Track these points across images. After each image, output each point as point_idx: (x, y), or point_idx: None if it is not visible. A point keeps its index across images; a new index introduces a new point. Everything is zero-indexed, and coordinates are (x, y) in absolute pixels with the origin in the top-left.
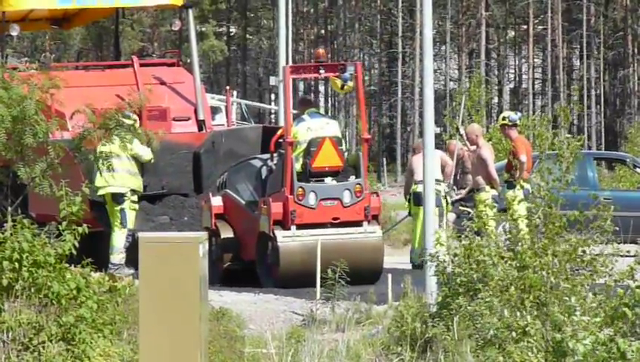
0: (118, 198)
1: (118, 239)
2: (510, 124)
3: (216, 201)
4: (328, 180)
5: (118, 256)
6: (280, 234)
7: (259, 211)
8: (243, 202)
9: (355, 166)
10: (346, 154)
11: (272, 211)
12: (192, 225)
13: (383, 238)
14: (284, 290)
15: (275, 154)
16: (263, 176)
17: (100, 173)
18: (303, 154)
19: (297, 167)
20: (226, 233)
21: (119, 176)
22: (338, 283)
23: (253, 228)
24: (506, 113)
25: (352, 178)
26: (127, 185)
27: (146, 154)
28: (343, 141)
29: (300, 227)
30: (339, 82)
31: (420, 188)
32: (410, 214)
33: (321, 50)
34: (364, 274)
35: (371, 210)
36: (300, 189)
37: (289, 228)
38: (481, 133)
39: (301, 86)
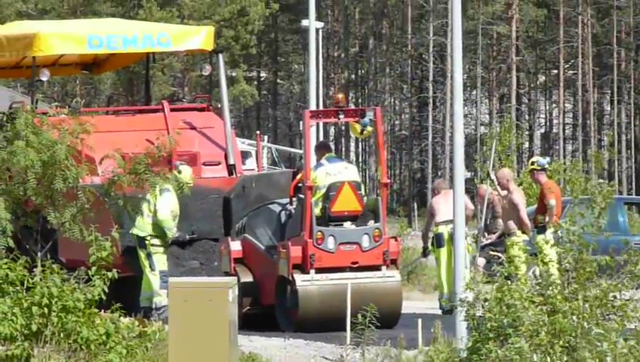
0: (140, 241)
1: (153, 282)
2: (539, 168)
3: (235, 246)
4: (347, 224)
5: (158, 299)
6: (299, 278)
7: (278, 255)
8: (262, 246)
9: (374, 210)
10: (365, 198)
11: (291, 255)
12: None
13: (401, 283)
14: (314, 335)
15: (294, 199)
16: (282, 221)
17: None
18: (322, 198)
19: (316, 211)
20: (245, 277)
21: (143, 219)
22: (368, 328)
23: (272, 272)
24: (534, 158)
25: (372, 222)
26: (145, 230)
27: (162, 213)
28: (362, 186)
29: (318, 271)
30: (358, 127)
31: (441, 229)
32: (425, 255)
33: (340, 95)
34: (382, 318)
35: (390, 255)
36: (319, 233)
37: (308, 272)
38: (512, 178)
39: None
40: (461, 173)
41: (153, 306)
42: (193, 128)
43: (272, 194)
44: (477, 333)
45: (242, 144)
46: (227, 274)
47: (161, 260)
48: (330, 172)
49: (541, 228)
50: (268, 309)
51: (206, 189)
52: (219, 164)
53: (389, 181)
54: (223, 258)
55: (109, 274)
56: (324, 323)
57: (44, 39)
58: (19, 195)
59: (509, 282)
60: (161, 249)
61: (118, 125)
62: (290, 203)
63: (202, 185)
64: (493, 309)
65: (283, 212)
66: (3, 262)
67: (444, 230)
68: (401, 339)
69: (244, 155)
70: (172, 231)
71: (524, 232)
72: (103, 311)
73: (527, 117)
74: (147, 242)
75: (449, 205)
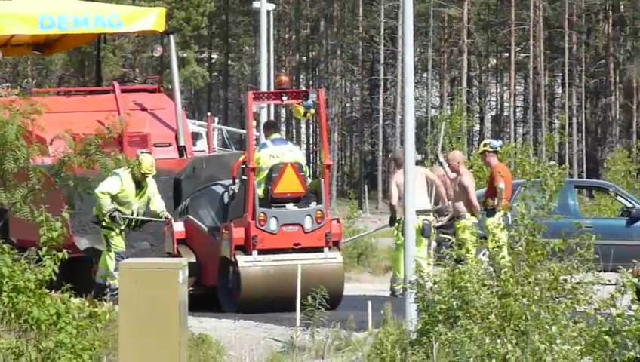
0: (96, 222)
1: (109, 263)
2: (491, 150)
3: (179, 227)
4: (290, 206)
5: (115, 281)
6: (241, 259)
7: (220, 236)
8: (205, 228)
9: (316, 192)
10: (308, 180)
11: (233, 236)
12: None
13: (343, 264)
14: (264, 317)
15: (237, 180)
16: (225, 202)
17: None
18: (264, 180)
19: (259, 192)
20: (188, 258)
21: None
22: (317, 310)
23: (215, 253)
24: (487, 140)
25: (314, 204)
26: (97, 212)
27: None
28: (306, 167)
29: (261, 252)
30: (301, 109)
31: None
32: (392, 225)
33: (283, 77)
34: (325, 299)
35: (332, 236)
36: (262, 215)
37: (250, 253)
38: (462, 161)
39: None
40: (412, 156)
41: (107, 286)
42: (144, 109)
43: (223, 176)
44: (427, 315)
45: (193, 125)
46: (170, 254)
47: (116, 241)
48: (273, 154)
49: (490, 211)
50: (211, 290)
51: (157, 170)
52: (169, 145)
53: (331, 163)
54: (167, 239)
55: (60, 255)
56: (266, 304)
57: None
58: None
59: (460, 265)
60: (115, 230)
61: (69, 106)
62: (233, 184)
63: None
64: (442, 291)
65: (226, 193)
66: None
67: (416, 220)
68: (350, 321)
69: (195, 137)
70: (104, 209)
71: (473, 215)
72: (53, 291)
73: (478, 100)
74: (103, 223)
75: (420, 189)
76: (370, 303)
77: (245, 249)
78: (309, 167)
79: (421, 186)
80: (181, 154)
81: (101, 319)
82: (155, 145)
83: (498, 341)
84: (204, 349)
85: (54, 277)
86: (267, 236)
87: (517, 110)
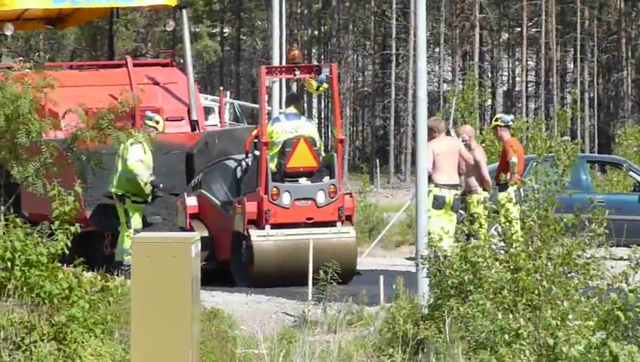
0: (120, 198)
1: (126, 240)
2: (503, 125)
3: (191, 201)
4: (302, 180)
5: (128, 257)
6: (254, 233)
7: (233, 211)
8: (218, 202)
9: (329, 166)
10: (321, 154)
11: (246, 210)
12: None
13: (356, 238)
14: (276, 291)
15: (249, 155)
16: (238, 176)
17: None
18: (277, 154)
19: (272, 167)
20: (201, 233)
21: (118, 178)
22: (330, 284)
23: (228, 227)
24: (498, 115)
25: (327, 178)
26: (124, 189)
27: (137, 169)
28: (319, 142)
29: (274, 226)
30: (314, 83)
31: (443, 192)
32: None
33: (296, 52)
34: (337, 274)
35: (345, 211)
36: (275, 189)
37: (263, 228)
38: (473, 135)
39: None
40: (424, 130)
41: (124, 262)
42: (156, 83)
43: (235, 150)
44: (439, 290)
45: (205, 100)
46: (183, 229)
47: (137, 219)
48: (286, 128)
49: (503, 186)
50: (224, 264)
51: (169, 144)
52: (182, 119)
53: (343, 137)
54: (179, 213)
55: (72, 229)
56: (279, 278)
57: None
58: None
59: (472, 240)
60: (141, 206)
61: (82, 80)
62: (246, 158)
63: (165, 141)
64: (454, 266)
65: (239, 168)
66: None
67: (448, 195)
68: (362, 296)
69: (207, 111)
70: (144, 178)
71: (485, 189)
72: (65, 265)
73: (489, 74)
74: (128, 199)
75: (451, 163)
76: (382, 277)
77: (258, 223)
78: (321, 141)
79: (453, 161)
80: (193, 129)
81: (113, 293)
82: (168, 120)
83: (510, 316)
84: (216, 323)
85: (67, 251)
86: (280, 210)
87: (529, 85)
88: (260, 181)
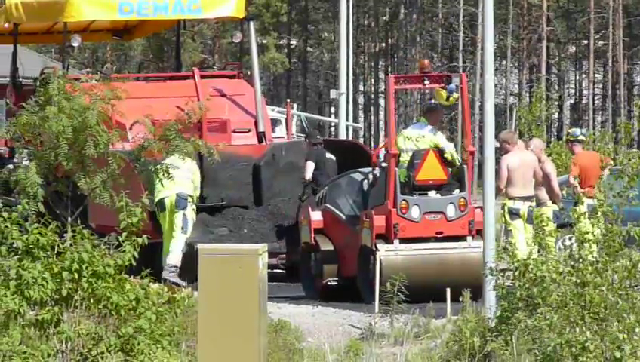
0: (180, 202)
1: (178, 242)
2: (572, 139)
3: (316, 216)
4: (432, 193)
5: (174, 258)
6: (383, 247)
7: (361, 224)
8: (343, 216)
9: (459, 179)
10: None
11: (374, 224)
12: (252, 237)
13: None
14: (343, 303)
15: (376, 168)
16: (364, 190)
17: (161, 182)
18: (406, 166)
19: (400, 179)
20: (326, 247)
21: (180, 182)
22: (397, 297)
23: (354, 242)
24: (570, 129)
25: (457, 191)
26: (188, 191)
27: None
28: (451, 152)
29: (402, 241)
30: (444, 93)
31: (517, 204)
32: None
33: (425, 61)
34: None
35: (475, 225)
36: (404, 202)
37: (392, 242)
38: (543, 148)
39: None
40: (491, 143)
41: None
42: (223, 95)
43: (302, 162)
44: (506, 303)
45: (272, 112)
46: (307, 244)
47: (191, 226)
48: (409, 136)
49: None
50: (348, 281)
51: (236, 156)
52: (249, 131)
53: (474, 149)
54: (303, 228)
55: (140, 240)
56: (407, 294)
57: (76, 5)
58: (50, 161)
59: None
60: (194, 216)
61: (149, 92)
62: (373, 170)
63: (232, 153)
64: (522, 278)
65: (365, 181)
66: (34, 227)
67: (522, 207)
68: (429, 308)
69: (274, 123)
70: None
71: (554, 202)
72: (132, 276)
73: (556, 87)
74: (189, 203)
75: (526, 176)
76: (448, 290)
77: (386, 237)
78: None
79: (528, 174)
80: (260, 141)
81: (180, 305)
82: (235, 131)
83: (577, 329)
84: (283, 335)
85: (134, 263)
86: (409, 224)
87: (596, 98)
88: (389, 194)
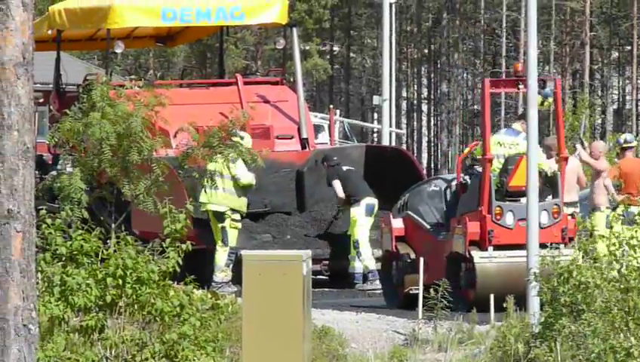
0: (218, 216)
1: (220, 257)
2: (627, 146)
3: (397, 223)
4: (524, 200)
5: (220, 275)
6: (477, 254)
7: (452, 231)
8: (426, 224)
9: (552, 185)
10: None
11: (468, 231)
12: (295, 243)
13: None
14: (386, 309)
15: (461, 174)
16: (448, 197)
17: (205, 190)
18: (499, 172)
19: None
20: (408, 256)
21: (220, 194)
22: (440, 303)
23: (437, 250)
24: (622, 135)
25: (549, 198)
26: (225, 204)
27: (245, 178)
28: (544, 163)
29: (496, 248)
30: (539, 98)
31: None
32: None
33: (519, 65)
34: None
35: (568, 232)
36: (498, 208)
37: (486, 249)
38: (604, 151)
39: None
40: (535, 148)
41: (215, 279)
42: (267, 102)
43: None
44: (550, 309)
45: (315, 118)
46: (388, 252)
47: (234, 236)
48: (501, 141)
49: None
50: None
51: (279, 163)
52: (292, 137)
53: (568, 155)
54: (384, 235)
55: (184, 247)
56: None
57: (119, 11)
58: (93, 167)
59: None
60: (239, 224)
61: (192, 98)
62: (462, 175)
63: (275, 159)
64: (566, 284)
65: (448, 188)
66: (78, 234)
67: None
68: (473, 314)
69: (317, 129)
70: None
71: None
72: (176, 282)
73: (599, 93)
74: (227, 216)
75: (570, 181)
76: (492, 296)
77: (480, 244)
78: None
79: (572, 178)
80: (303, 147)
81: (224, 311)
82: (278, 138)
83: (621, 335)
84: (327, 341)
85: (178, 269)
86: (503, 231)
87: (639, 103)
88: (483, 200)
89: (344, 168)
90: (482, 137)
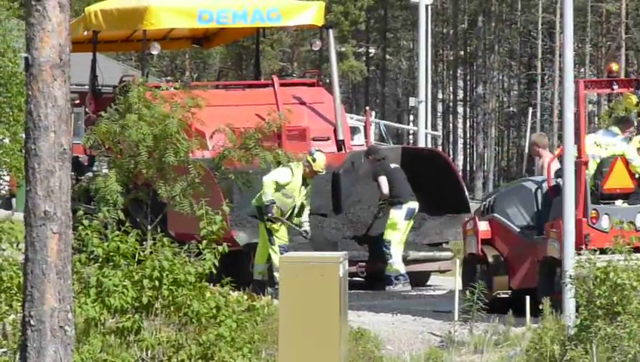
0: (259, 215)
1: (274, 258)
2: None
3: (483, 226)
4: (619, 202)
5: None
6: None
7: (546, 235)
8: (514, 227)
9: None
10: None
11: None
12: (332, 245)
13: None
14: (422, 311)
15: (552, 176)
16: (539, 200)
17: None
18: (594, 174)
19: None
20: (495, 259)
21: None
22: (476, 305)
23: (526, 254)
24: None
25: None
26: (255, 202)
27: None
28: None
29: (592, 252)
30: (634, 98)
31: None
32: None
33: (613, 65)
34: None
35: None
36: (594, 212)
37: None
38: None
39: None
40: (571, 151)
41: (274, 280)
42: (303, 103)
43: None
44: (586, 311)
45: (351, 120)
46: (472, 255)
47: (281, 234)
48: (597, 142)
49: None
50: (517, 294)
51: None
52: (328, 139)
53: None
54: (469, 238)
55: (220, 248)
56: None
57: (155, 13)
58: (129, 168)
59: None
60: (275, 224)
61: (228, 99)
62: (553, 178)
63: None
64: (602, 286)
65: (539, 190)
66: (114, 235)
67: None
68: (509, 316)
69: (353, 131)
70: (264, 198)
71: None
72: (212, 284)
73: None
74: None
75: None
76: (528, 298)
77: (576, 248)
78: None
79: None
80: (339, 149)
81: (260, 312)
82: (314, 139)
83: None
84: (363, 343)
85: (214, 271)
86: (599, 235)
87: None
88: (578, 203)
89: (391, 166)
90: (577, 140)
